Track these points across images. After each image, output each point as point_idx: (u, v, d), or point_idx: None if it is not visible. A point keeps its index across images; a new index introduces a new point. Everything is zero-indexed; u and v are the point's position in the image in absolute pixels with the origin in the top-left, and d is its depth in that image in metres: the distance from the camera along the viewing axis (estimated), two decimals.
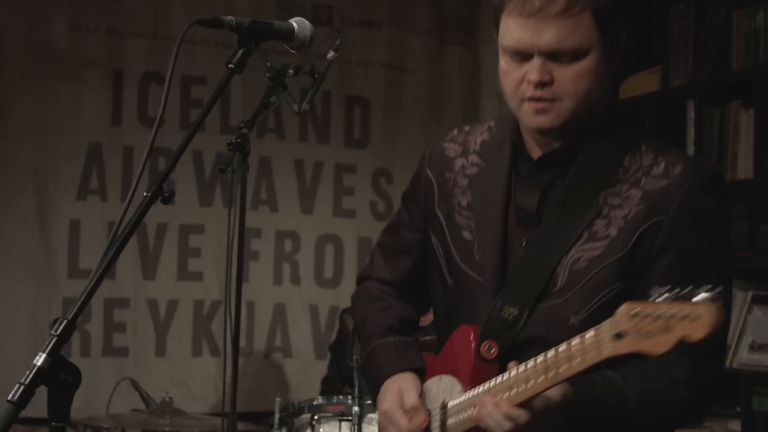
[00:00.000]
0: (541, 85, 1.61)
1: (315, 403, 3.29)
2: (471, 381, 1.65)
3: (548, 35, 1.59)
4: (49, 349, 1.44)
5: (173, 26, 4.63)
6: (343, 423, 3.14)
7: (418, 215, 1.90)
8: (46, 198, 4.51)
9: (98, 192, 4.57)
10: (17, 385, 1.39)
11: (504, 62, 1.67)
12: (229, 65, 1.78)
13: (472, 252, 1.74)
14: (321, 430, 3.20)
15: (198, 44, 4.67)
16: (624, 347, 1.37)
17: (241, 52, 1.78)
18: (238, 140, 2.63)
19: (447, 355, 1.77)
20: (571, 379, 1.48)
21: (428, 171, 1.88)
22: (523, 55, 1.61)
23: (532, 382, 1.48)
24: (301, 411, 3.27)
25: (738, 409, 3.97)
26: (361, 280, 2.04)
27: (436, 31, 5.01)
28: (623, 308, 1.38)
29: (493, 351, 1.64)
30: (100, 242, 4.58)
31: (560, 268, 1.63)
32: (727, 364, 4.09)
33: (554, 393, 1.49)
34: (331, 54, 2.98)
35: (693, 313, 1.30)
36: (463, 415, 1.64)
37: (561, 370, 1.45)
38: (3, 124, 4.38)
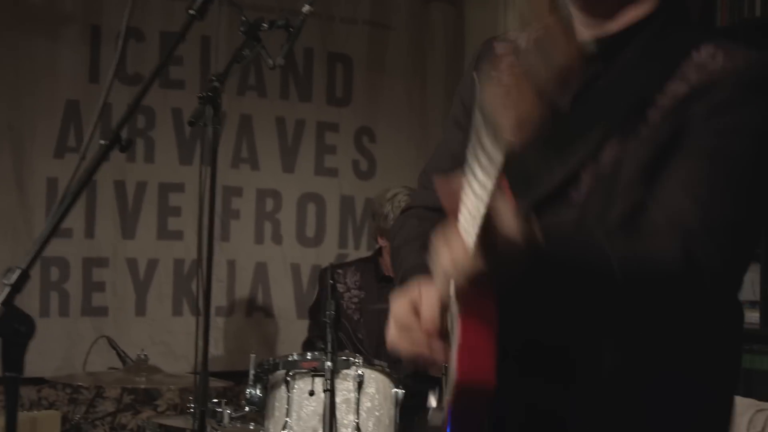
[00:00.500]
0: None
1: (290, 359, 3.31)
2: None
3: None
4: (2, 298, 1.46)
5: None
6: (316, 378, 3.16)
7: (467, 114, 1.61)
8: (23, 157, 4.46)
9: (76, 150, 4.51)
10: None
11: None
12: (189, 11, 1.79)
13: None
14: (295, 386, 3.21)
15: (177, 0, 4.58)
16: None
17: None
18: (209, 93, 2.73)
19: None
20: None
21: (474, 71, 1.65)
22: None
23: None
24: (275, 367, 3.29)
25: None
26: (403, 211, 1.82)
27: None
28: None
29: None
30: (78, 201, 4.55)
31: (584, 172, 1.42)
32: None
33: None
34: (306, 8, 2.96)
35: None
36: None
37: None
38: None
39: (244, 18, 3.03)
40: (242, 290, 4.76)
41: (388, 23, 4.91)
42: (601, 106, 1.46)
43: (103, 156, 1.64)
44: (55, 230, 1.60)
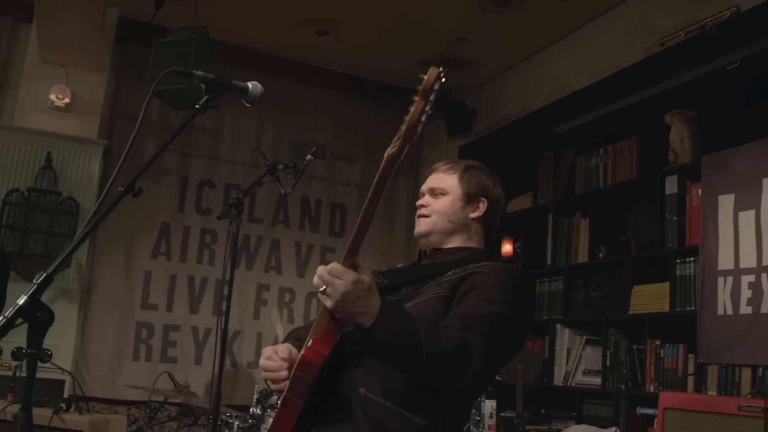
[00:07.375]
0: (423, 206, 2.23)
1: None
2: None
3: (429, 182, 2.26)
4: (29, 293, 1.48)
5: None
6: None
7: None
8: (130, 255, 5.73)
9: (165, 254, 5.86)
10: (1, 318, 1.44)
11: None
12: (196, 106, 1.90)
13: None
14: None
15: (237, 164, 5.97)
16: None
17: (206, 97, 1.91)
18: (235, 201, 3.53)
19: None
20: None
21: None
22: (422, 192, 2.28)
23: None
24: (271, 394, 3.68)
25: (574, 413, 4.83)
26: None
27: None
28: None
29: None
30: (163, 287, 5.83)
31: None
32: (568, 383, 5.01)
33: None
34: (308, 157, 3.90)
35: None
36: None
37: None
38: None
39: (268, 162, 3.83)
40: None
41: (371, 186, 6.24)
42: (431, 272, 2.15)
43: (119, 200, 1.71)
44: (74, 250, 1.66)
